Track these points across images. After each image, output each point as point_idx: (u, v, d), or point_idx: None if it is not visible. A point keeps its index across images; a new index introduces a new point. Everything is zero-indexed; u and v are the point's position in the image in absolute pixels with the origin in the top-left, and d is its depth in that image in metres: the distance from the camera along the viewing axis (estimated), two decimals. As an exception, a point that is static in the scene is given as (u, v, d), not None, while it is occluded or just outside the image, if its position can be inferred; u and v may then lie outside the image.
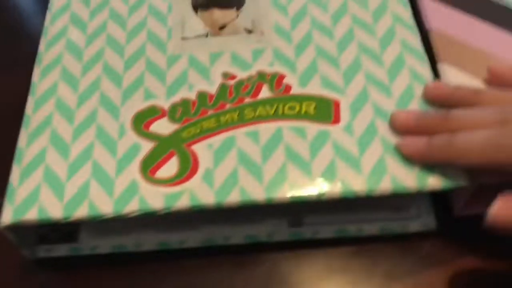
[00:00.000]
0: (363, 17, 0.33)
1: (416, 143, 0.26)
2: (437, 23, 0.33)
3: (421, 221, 0.29)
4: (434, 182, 0.26)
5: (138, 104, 0.30)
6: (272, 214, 0.29)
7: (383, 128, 0.28)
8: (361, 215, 0.29)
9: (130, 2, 0.35)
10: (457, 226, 0.29)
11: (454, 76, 0.30)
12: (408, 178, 0.26)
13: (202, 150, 0.28)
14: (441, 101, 0.28)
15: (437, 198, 0.30)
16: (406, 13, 0.33)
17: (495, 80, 0.28)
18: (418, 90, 0.29)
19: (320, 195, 0.26)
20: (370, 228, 0.29)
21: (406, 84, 0.30)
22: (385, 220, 0.29)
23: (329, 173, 0.27)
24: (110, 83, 0.31)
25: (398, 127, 0.27)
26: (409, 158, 0.26)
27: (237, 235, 0.29)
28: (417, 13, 0.34)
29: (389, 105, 0.29)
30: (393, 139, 0.28)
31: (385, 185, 0.26)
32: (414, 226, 0.29)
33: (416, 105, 0.29)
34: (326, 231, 0.29)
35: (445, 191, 0.27)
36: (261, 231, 0.29)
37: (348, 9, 0.33)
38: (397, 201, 0.29)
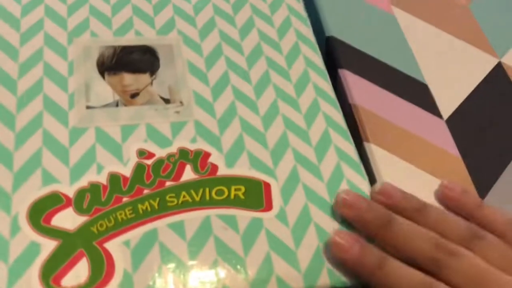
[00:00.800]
0: (286, 89, 0.32)
1: (349, 250, 0.24)
2: (361, 99, 0.33)
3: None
4: (371, 274, 0.25)
5: (35, 191, 0.25)
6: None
7: (316, 214, 0.27)
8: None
9: (20, 59, 0.30)
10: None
11: (382, 157, 0.31)
12: (346, 269, 0.25)
13: (118, 248, 0.24)
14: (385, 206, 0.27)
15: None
16: (328, 87, 0.33)
17: (443, 201, 0.29)
18: (346, 171, 0.29)
19: (256, 297, 0.24)
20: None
21: (334, 164, 0.29)
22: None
23: (265, 271, 0.24)
24: (-3, 165, 0.26)
25: (340, 212, 0.26)
26: (336, 257, 0.25)
27: None
28: (336, 87, 0.34)
29: (320, 188, 0.28)
30: (326, 226, 0.26)
31: (323, 281, 0.25)
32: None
33: (346, 186, 0.28)
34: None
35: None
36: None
37: (271, 80, 0.32)
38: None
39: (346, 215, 0.26)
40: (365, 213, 0.25)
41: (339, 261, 0.25)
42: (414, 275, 0.24)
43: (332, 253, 0.25)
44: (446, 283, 0.23)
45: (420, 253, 0.24)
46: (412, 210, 0.26)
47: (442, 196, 0.29)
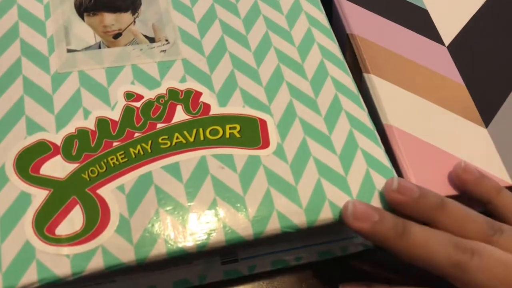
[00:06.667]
0: (277, 20, 0.30)
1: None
2: (359, 29, 0.31)
3: (359, 241, 0.27)
4: (374, 205, 0.24)
5: (20, 140, 0.24)
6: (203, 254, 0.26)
7: (314, 148, 0.26)
8: (298, 242, 0.27)
9: (-9, 4, 0.28)
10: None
11: (383, 88, 0.29)
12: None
13: (112, 194, 0.23)
14: (403, 208, 0.24)
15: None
16: (321, 16, 0.31)
17: (459, 185, 0.27)
18: (345, 103, 0.27)
19: (257, 234, 0.23)
20: (309, 255, 0.27)
21: (332, 96, 0.27)
22: (323, 244, 0.27)
23: (266, 208, 0.24)
24: (-22, 115, 0.24)
25: (353, 226, 0.24)
26: (354, 227, 0.23)
27: (163, 283, 0.25)
28: (332, 18, 0.33)
29: (318, 122, 0.26)
30: (325, 159, 0.25)
31: (325, 214, 0.24)
32: (353, 246, 0.27)
33: (345, 120, 0.27)
34: (263, 265, 0.27)
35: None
36: (192, 274, 0.26)
37: (261, 11, 0.30)
38: (335, 224, 0.27)
39: (358, 228, 0.24)
40: (379, 225, 0.23)
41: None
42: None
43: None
44: (471, 284, 0.22)
45: (440, 259, 0.23)
46: (431, 207, 0.24)
47: (459, 179, 0.27)
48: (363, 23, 0.32)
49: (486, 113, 0.30)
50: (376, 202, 0.24)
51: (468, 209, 0.24)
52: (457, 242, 0.23)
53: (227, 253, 0.26)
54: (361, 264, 0.28)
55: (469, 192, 0.27)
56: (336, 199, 0.24)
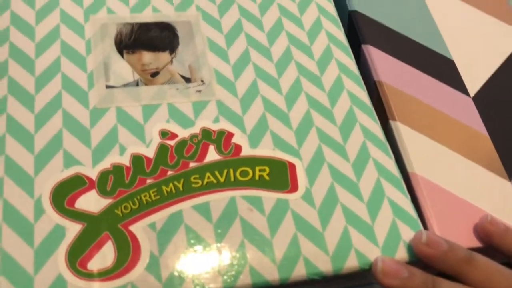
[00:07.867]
0: (309, 66, 0.31)
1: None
2: (386, 76, 0.32)
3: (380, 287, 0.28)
4: (400, 255, 0.25)
5: (57, 173, 0.25)
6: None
7: (342, 194, 0.26)
8: (320, 286, 0.27)
9: (37, 38, 0.29)
10: None
11: (408, 136, 0.30)
12: (373, 251, 0.25)
13: (143, 231, 0.24)
14: (431, 261, 0.25)
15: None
16: (351, 63, 0.32)
17: (484, 237, 0.27)
18: (372, 150, 0.28)
19: (283, 280, 0.23)
20: (331, 300, 0.27)
21: (360, 143, 0.28)
22: (345, 289, 0.27)
23: (292, 253, 0.24)
24: (19, 146, 0.25)
25: (383, 283, 0.24)
26: (383, 283, 0.24)
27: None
28: (360, 64, 0.33)
29: (345, 168, 0.27)
30: (353, 207, 0.26)
31: (351, 263, 0.24)
32: (374, 293, 0.28)
33: (373, 168, 0.27)
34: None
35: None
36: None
37: (293, 57, 0.31)
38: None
39: (388, 285, 0.24)
40: (408, 282, 0.23)
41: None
42: None
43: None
44: None
45: None
46: (459, 260, 0.25)
47: (484, 231, 0.27)
48: (391, 71, 0.33)
49: (510, 166, 0.30)
50: (401, 252, 0.25)
51: (496, 263, 0.24)
52: None
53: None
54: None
55: (495, 245, 0.27)
56: (362, 247, 0.24)
